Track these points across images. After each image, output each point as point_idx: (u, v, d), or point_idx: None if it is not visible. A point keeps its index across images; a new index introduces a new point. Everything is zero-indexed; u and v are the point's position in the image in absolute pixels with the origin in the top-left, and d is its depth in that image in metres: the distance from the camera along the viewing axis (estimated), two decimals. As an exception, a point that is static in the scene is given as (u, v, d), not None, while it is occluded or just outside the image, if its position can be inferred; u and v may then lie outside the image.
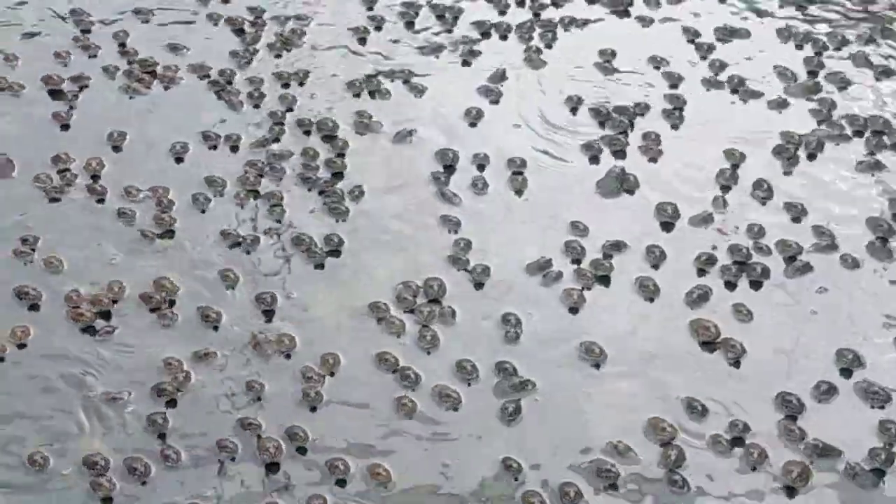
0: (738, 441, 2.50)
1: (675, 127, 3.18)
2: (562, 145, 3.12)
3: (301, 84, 3.28)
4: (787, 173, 3.06)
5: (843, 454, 2.47)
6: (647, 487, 2.43)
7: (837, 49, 3.41)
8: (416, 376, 2.60)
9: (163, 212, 2.93)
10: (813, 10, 3.54)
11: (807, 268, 2.83)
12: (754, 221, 2.92)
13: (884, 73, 3.33)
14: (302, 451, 2.48)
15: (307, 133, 3.15)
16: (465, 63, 3.37)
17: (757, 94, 3.27)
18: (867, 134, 3.16)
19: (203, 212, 2.95)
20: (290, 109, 3.21)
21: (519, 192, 3.01)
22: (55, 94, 3.24)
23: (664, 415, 2.54)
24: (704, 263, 2.83)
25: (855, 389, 2.59)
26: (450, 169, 3.06)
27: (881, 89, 3.30)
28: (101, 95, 3.24)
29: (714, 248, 2.85)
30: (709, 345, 2.68)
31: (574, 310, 2.75)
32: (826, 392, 2.58)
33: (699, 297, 2.76)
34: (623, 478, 2.43)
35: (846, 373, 2.62)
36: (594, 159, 3.09)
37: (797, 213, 2.95)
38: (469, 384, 2.58)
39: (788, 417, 2.54)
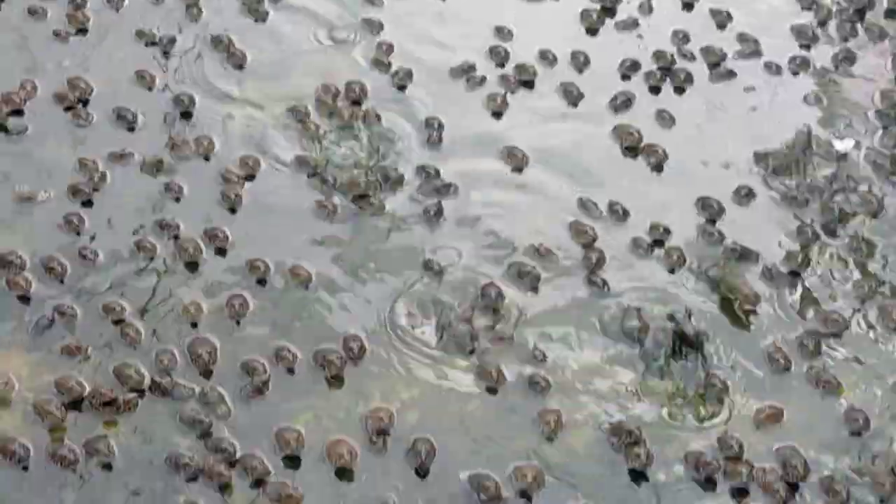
0: (658, 243, 2.51)
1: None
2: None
3: None
4: (712, -22, 3.03)
5: (760, 256, 2.49)
6: (567, 289, 2.44)
7: None
8: (334, 180, 2.57)
9: (76, 9, 2.84)
10: None
11: (730, 74, 2.82)
12: (679, 28, 2.90)
13: None
14: (221, 252, 2.45)
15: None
16: None
17: None
18: (795, -58, 3.13)
19: (118, 10, 2.86)
20: None
21: (443, -4, 2.96)
22: None
23: (585, 219, 2.54)
24: (629, 69, 2.82)
25: (775, 193, 2.60)
26: (373, -30, 2.99)
27: None
28: None
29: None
30: (632, 150, 2.67)
31: (497, 114, 2.72)
32: (746, 196, 2.59)
33: (623, 103, 2.75)
34: (544, 279, 2.44)
35: (766, 177, 2.63)
36: (520, -36, 3.03)
37: (722, 19, 2.93)
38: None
39: (708, 221, 2.55)
